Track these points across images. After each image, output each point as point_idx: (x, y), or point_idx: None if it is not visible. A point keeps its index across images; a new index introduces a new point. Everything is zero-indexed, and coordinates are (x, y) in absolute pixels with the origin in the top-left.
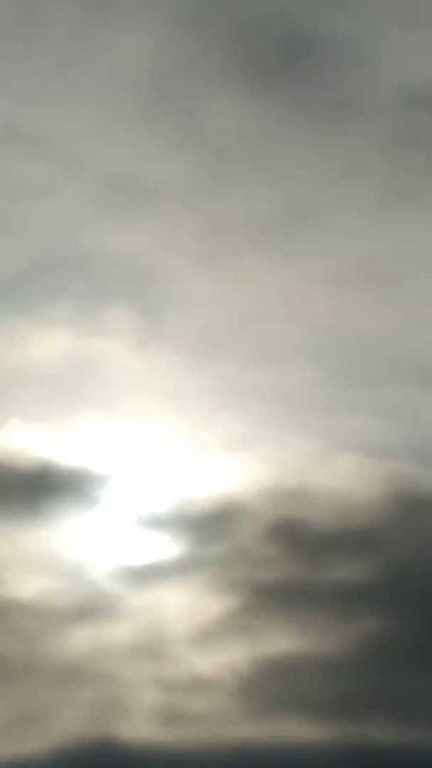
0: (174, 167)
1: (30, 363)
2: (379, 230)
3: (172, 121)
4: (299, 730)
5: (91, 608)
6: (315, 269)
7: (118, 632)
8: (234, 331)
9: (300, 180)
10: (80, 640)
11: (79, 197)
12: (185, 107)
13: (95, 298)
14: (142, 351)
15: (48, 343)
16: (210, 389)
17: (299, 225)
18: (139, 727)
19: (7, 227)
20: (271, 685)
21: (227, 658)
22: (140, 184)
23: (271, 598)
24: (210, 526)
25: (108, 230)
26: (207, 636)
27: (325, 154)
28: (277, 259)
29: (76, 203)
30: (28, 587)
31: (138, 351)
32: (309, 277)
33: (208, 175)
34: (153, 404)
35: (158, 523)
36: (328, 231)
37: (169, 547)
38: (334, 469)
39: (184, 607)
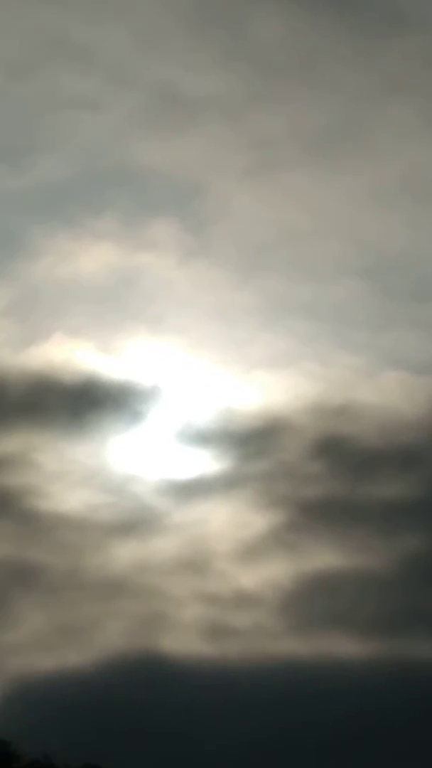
0: (220, 81)
1: (75, 277)
2: (424, 147)
3: (218, 35)
4: (341, 646)
5: (136, 523)
6: (359, 186)
7: (162, 547)
8: (278, 247)
9: (345, 96)
10: (125, 554)
11: (125, 111)
12: (232, 22)
13: (141, 212)
14: (187, 266)
15: (93, 257)
16: (254, 305)
17: (344, 141)
18: (182, 640)
19: (54, 140)
20: (314, 601)
21: (270, 574)
22: (186, 98)
23: (315, 515)
24: (254, 442)
25: (154, 144)
26: (251, 552)
27: (372, 70)
28: (322, 176)
29: (122, 117)
30: (74, 501)
31: (183, 266)
32: (353, 194)
33: (253, 90)
34: (198, 320)
35: (203, 438)
36: (372, 148)
37: (213, 463)
38: (379, 386)
39: (228, 522)
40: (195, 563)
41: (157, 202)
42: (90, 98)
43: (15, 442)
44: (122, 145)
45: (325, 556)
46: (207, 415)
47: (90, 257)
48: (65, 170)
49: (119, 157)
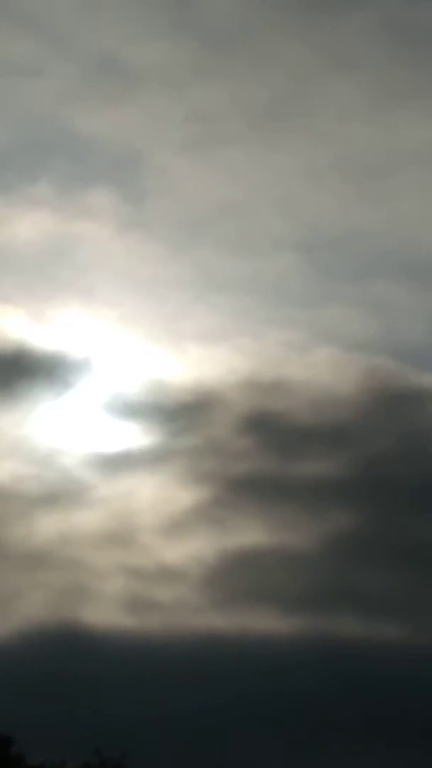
0: (163, 52)
1: (9, 244)
2: (368, 126)
3: (163, 5)
4: (264, 622)
5: (61, 495)
6: (300, 162)
7: (87, 519)
8: (215, 221)
9: (290, 72)
10: (49, 526)
11: (67, 78)
12: None
13: (78, 180)
14: (123, 237)
15: (28, 224)
16: (189, 278)
17: (286, 117)
18: (104, 613)
19: None
20: (239, 577)
21: (195, 549)
22: (128, 68)
23: (243, 491)
24: (184, 416)
25: (94, 113)
26: (176, 526)
27: (318, 47)
28: (264, 150)
29: (63, 84)
30: None
31: (119, 236)
32: (294, 170)
33: (196, 63)
34: (132, 291)
35: (132, 411)
36: (315, 125)
37: (142, 437)
38: (312, 363)
39: (154, 496)
40: (119, 536)
41: (95, 172)
42: (30, 65)
43: None
44: (61, 113)
45: (251, 533)
46: (137, 388)
47: (24, 224)
48: (2, 136)
49: (58, 124)
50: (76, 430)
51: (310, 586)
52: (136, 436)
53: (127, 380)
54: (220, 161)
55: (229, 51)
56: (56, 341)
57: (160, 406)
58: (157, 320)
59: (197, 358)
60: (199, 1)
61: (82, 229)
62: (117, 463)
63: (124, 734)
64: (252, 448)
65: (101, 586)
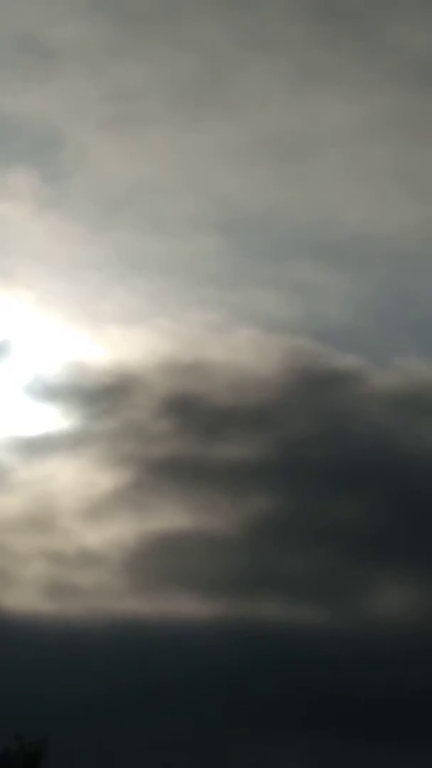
0: (81, 31)
1: None
2: (288, 106)
3: None
4: (186, 606)
5: None
6: (219, 142)
7: (6, 504)
8: (135, 201)
9: (210, 49)
10: None
11: None
12: None
13: None
14: (42, 217)
15: None
16: (108, 259)
17: (206, 96)
18: (24, 597)
19: None
20: (159, 561)
21: (116, 533)
22: (47, 47)
23: (163, 474)
24: (103, 399)
25: (11, 92)
26: (96, 510)
27: (237, 25)
28: (182, 130)
29: None
30: None
31: (38, 217)
32: (213, 150)
33: (115, 39)
34: (50, 273)
35: (51, 394)
36: (234, 104)
37: (61, 420)
38: (232, 344)
39: (74, 480)
40: (39, 520)
41: (13, 151)
42: None
43: None
44: None
45: (171, 516)
46: (56, 371)
47: None
48: None
49: None
50: None
51: (230, 569)
52: (56, 419)
53: (46, 363)
54: (139, 141)
55: (149, 30)
56: None
57: (80, 389)
58: (76, 302)
59: (117, 340)
60: None
61: (1, 209)
62: (36, 447)
63: (45, 719)
64: (172, 430)
65: (21, 571)
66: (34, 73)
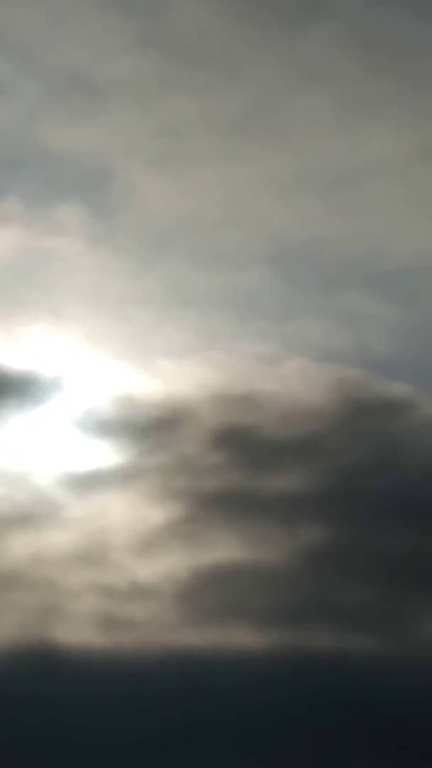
0: (131, 67)
1: None
2: (335, 138)
3: (130, 19)
4: (238, 638)
5: (33, 515)
6: (267, 175)
7: (59, 539)
8: (185, 235)
9: (258, 84)
10: (20, 546)
11: (34, 94)
12: (144, 5)
13: (47, 196)
14: (92, 253)
15: None
16: (158, 294)
17: (254, 131)
18: (77, 632)
19: None
20: (212, 593)
21: (168, 566)
22: (96, 83)
23: (215, 507)
24: (155, 433)
25: (62, 128)
26: (148, 544)
27: (286, 59)
28: (231, 165)
29: (31, 100)
30: None
31: (88, 253)
32: (262, 182)
33: (164, 77)
34: (101, 308)
35: (102, 429)
36: (282, 137)
37: (113, 455)
38: (282, 375)
39: (126, 514)
40: (91, 555)
41: (64, 187)
42: None
43: None
44: (30, 129)
45: (223, 548)
46: (107, 406)
47: None
48: None
49: (26, 140)
50: (46, 450)
51: (284, 601)
52: (108, 454)
53: (97, 398)
54: (188, 176)
55: (197, 64)
56: (26, 359)
57: (131, 423)
58: (126, 336)
59: (167, 374)
60: (166, 15)
61: (51, 245)
62: (88, 482)
63: (100, 756)
64: (224, 462)
65: (74, 606)
66: (83, 110)
